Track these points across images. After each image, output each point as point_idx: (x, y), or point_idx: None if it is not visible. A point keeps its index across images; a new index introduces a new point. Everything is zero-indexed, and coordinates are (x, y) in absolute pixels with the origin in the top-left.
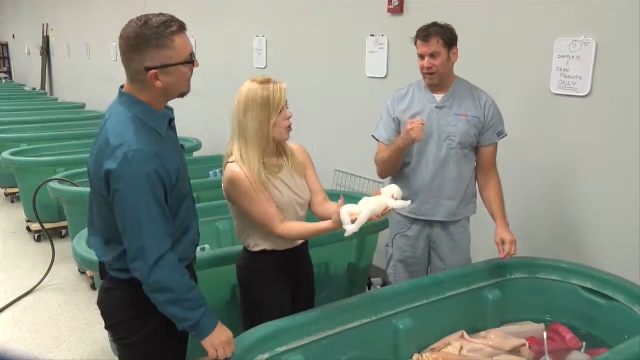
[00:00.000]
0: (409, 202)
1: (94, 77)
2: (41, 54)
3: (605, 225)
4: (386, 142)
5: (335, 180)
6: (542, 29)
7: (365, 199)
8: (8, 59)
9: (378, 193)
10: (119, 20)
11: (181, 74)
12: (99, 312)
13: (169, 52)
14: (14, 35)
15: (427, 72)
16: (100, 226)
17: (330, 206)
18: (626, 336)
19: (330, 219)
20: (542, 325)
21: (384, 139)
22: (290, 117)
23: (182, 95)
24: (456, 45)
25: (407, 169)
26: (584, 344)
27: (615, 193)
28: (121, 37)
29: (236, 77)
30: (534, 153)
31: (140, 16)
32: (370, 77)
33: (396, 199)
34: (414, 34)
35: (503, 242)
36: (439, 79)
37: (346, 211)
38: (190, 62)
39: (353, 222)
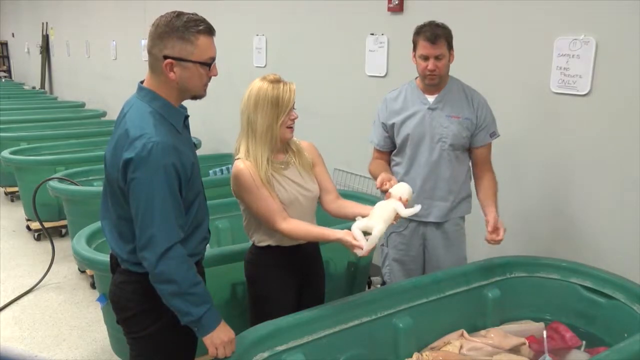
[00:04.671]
0: (419, 207)
1: (94, 75)
2: (41, 53)
3: (605, 223)
4: (377, 146)
5: (335, 179)
6: (542, 28)
7: (377, 206)
8: (7, 57)
9: (388, 196)
10: (118, 19)
11: (197, 73)
12: (98, 310)
13: (190, 48)
14: (13, 34)
15: (430, 74)
16: (114, 218)
17: (342, 203)
18: (626, 335)
19: (343, 216)
20: (541, 324)
21: (374, 143)
22: (296, 118)
23: (196, 97)
24: (453, 47)
25: (400, 168)
26: (584, 342)
27: (615, 192)
28: (153, 24)
29: (236, 76)
30: (533, 152)
31: (176, 10)
32: (370, 76)
33: (406, 200)
34: (414, 32)
35: (494, 226)
36: (439, 80)
37: (358, 228)
38: (207, 64)
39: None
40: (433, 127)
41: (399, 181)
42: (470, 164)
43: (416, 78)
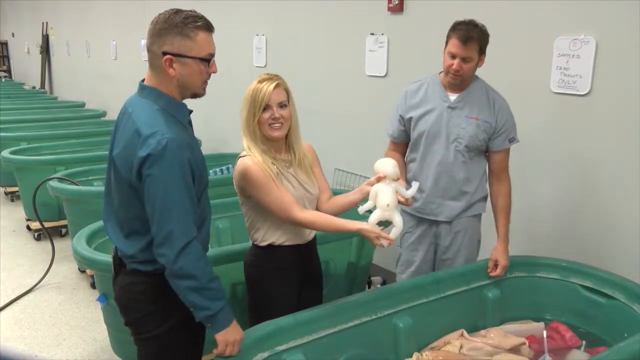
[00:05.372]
0: (417, 184)
1: (94, 75)
2: (41, 53)
3: (604, 223)
4: (391, 137)
5: (335, 179)
6: (542, 28)
7: (377, 191)
8: (7, 57)
9: (382, 176)
10: (118, 19)
11: (196, 69)
12: (98, 310)
13: (189, 43)
14: (13, 34)
15: (453, 73)
16: (123, 218)
17: (333, 199)
18: (626, 334)
19: (336, 212)
20: (541, 324)
21: (388, 133)
22: (277, 117)
23: (195, 95)
24: (485, 52)
25: (414, 164)
26: (584, 342)
27: (614, 192)
28: (152, 22)
29: (236, 75)
30: (533, 152)
31: (175, 8)
32: (370, 76)
33: (398, 179)
34: (413, 32)
35: (496, 262)
36: (461, 80)
37: (376, 222)
38: (207, 60)
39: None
40: (450, 127)
41: (412, 178)
42: (487, 167)
43: (440, 72)
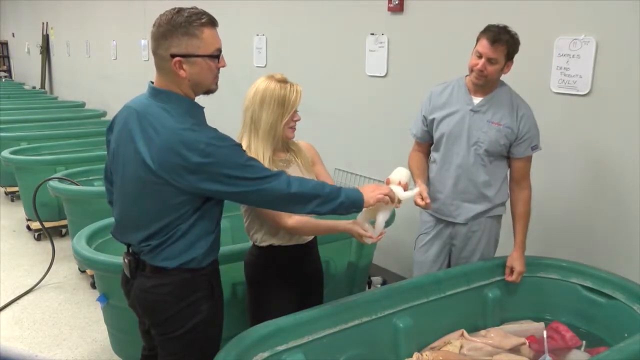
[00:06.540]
0: (417, 189)
1: (94, 75)
2: (41, 53)
3: (605, 223)
4: (415, 137)
5: (336, 179)
6: (542, 28)
7: None
8: (8, 57)
9: (387, 182)
10: (118, 19)
11: (206, 66)
12: (98, 310)
13: (196, 42)
14: (13, 34)
15: (477, 73)
16: (145, 215)
17: None
18: (626, 334)
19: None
20: (541, 324)
21: (412, 132)
22: (299, 119)
23: (208, 92)
24: (513, 59)
25: (435, 165)
26: (584, 342)
27: (615, 191)
28: (154, 25)
29: (236, 75)
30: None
31: (175, 7)
32: (371, 76)
33: (406, 183)
34: (413, 32)
35: (512, 269)
36: (484, 81)
37: (364, 220)
38: (216, 56)
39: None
40: (471, 130)
41: (433, 179)
42: (508, 172)
43: (466, 76)
